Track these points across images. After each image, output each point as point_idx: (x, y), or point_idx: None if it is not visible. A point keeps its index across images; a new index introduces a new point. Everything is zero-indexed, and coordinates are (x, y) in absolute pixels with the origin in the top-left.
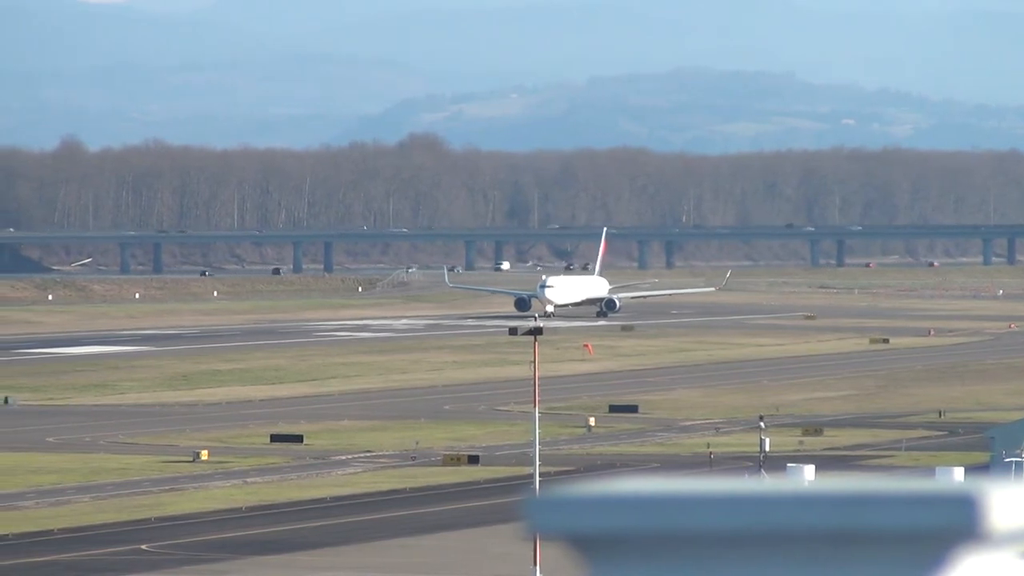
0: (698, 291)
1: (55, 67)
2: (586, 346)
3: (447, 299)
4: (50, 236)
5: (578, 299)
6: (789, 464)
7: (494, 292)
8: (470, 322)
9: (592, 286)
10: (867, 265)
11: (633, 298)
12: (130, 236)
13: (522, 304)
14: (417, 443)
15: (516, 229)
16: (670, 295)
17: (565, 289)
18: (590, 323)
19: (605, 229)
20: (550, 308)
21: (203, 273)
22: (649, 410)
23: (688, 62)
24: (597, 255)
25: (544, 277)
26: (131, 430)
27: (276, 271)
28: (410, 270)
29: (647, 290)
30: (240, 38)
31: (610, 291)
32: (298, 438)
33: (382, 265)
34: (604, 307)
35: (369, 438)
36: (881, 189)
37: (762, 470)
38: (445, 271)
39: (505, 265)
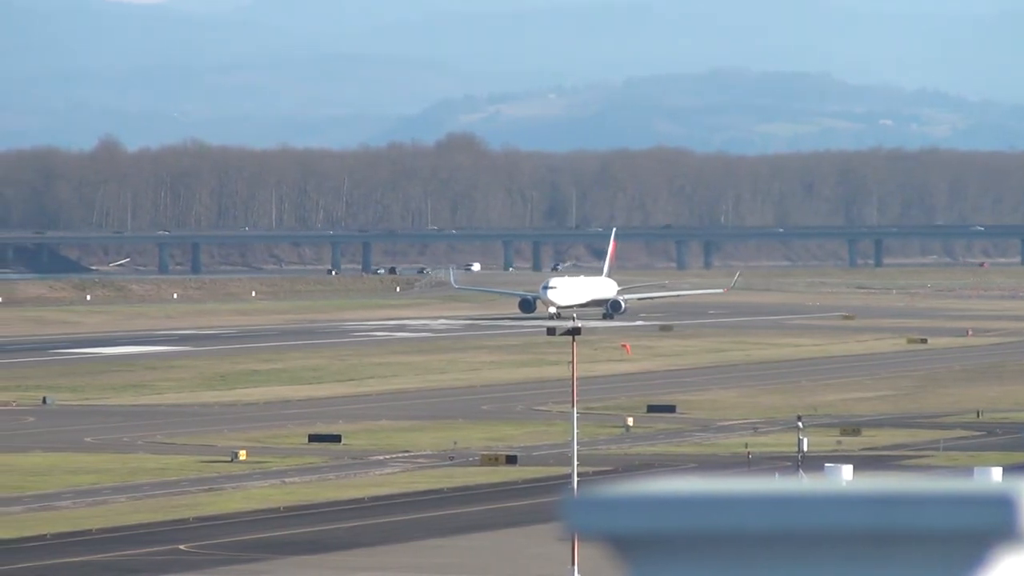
0: (707, 292)
1: (94, 67)
2: (624, 346)
3: (486, 299)
4: (89, 236)
5: (582, 300)
6: (827, 464)
7: (500, 293)
8: (507, 322)
9: (598, 287)
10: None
11: (640, 299)
12: (168, 236)
13: (527, 305)
14: (455, 443)
15: (553, 229)
16: (678, 296)
17: (568, 290)
18: (627, 323)
19: (614, 230)
20: (553, 309)
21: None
22: (687, 410)
23: (725, 63)
24: (606, 256)
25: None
26: (169, 430)
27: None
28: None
29: (656, 291)
30: (279, 39)
31: (618, 292)
32: (336, 438)
33: (420, 265)
34: (609, 308)
35: (407, 438)
36: (919, 189)
37: (800, 470)
38: (452, 272)
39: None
